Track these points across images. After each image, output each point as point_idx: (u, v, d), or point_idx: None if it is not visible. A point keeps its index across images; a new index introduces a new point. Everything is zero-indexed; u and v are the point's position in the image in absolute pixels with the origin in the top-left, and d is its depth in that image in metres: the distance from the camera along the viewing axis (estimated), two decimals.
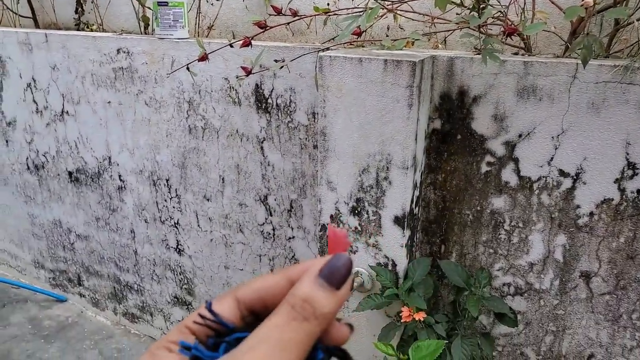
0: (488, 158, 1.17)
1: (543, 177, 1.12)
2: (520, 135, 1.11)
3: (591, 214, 1.10)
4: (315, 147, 1.41)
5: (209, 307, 0.30)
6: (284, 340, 0.27)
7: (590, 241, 1.11)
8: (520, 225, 1.17)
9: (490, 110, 1.13)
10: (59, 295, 2.38)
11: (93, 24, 2.02)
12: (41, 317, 2.25)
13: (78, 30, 2.05)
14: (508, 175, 1.15)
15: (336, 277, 0.29)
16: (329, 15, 1.21)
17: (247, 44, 1.20)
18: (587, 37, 0.93)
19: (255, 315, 0.31)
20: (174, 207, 1.79)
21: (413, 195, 1.18)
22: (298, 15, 1.21)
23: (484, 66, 1.10)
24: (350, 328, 0.31)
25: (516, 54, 1.19)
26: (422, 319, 1.13)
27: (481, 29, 1.04)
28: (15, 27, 2.23)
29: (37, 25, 2.18)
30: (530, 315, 1.22)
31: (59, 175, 2.10)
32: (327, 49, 1.27)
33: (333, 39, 1.49)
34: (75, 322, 2.23)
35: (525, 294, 1.21)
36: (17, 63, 2.01)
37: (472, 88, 1.13)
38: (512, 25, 0.95)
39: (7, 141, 2.22)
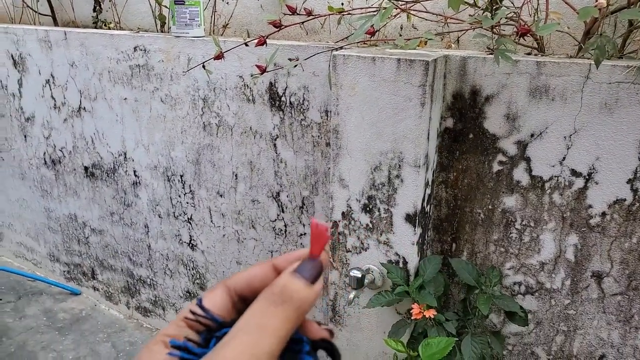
0: (500, 157, 1.17)
1: (555, 176, 1.12)
2: (532, 135, 1.12)
3: (603, 214, 1.10)
4: (327, 144, 1.43)
5: (199, 303, 0.31)
6: (262, 326, 0.28)
7: (602, 241, 1.11)
8: (532, 224, 1.17)
9: (502, 110, 1.14)
10: (73, 289, 2.42)
11: (110, 22, 2.05)
12: (56, 310, 2.29)
13: (96, 28, 2.09)
14: (520, 174, 1.16)
15: (310, 274, 0.30)
16: (343, 15, 1.23)
17: (262, 42, 1.22)
18: (600, 38, 0.94)
19: (246, 302, 0.32)
20: (187, 203, 1.81)
21: (425, 194, 1.19)
22: (312, 15, 1.23)
23: (496, 66, 1.10)
24: (331, 334, 0.33)
25: (529, 54, 1.20)
26: (432, 317, 1.14)
27: (494, 29, 1.04)
28: (35, 24, 2.27)
29: (55, 23, 2.23)
30: (541, 315, 1.22)
31: (75, 170, 2.14)
32: (341, 48, 1.29)
33: (347, 38, 1.50)
34: (89, 315, 2.27)
35: (536, 293, 1.22)
36: (36, 60, 2.05)
37: (485, 87, 1.14)
38: (526, 26, 0.95)
39: (25, 136, 2.27)
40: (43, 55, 2.01)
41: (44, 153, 2.23)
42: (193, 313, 0.31)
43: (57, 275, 2.51)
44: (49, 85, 2.05)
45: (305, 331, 0.32)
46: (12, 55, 2.14)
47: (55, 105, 2.07)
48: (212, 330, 0.31)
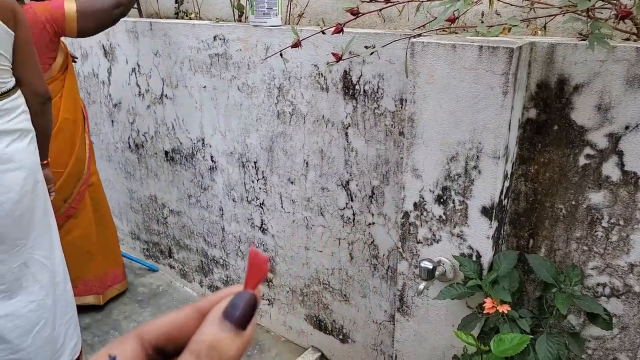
0: (587, 150, 1.10)
1: None
2: (627, 127, 1.04)
3: None
4: (401, 133, 1.42)
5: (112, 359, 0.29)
6: None
7: None
8: (621, 223, 1.10)
9: (593, 100, 1.07)
10: (151, 265, 2.59)
11: (191, 13, 2.15)
12: (136, 284, 2.47)
13: (177, 18, 2.19)
14: (610, 169, 1.09)
15: (241, 318, 0.28)
16: (422, 2, 1.20)
17: (339, 30, 1.23)
18: None
19: (164, 353, 0.30)
20: (260, 189, 1.87)
21: (503, 186, 1.15)
22: (391, 2, 1.21)
23: (588, 53, 1.04)
24: None
25: (627, 39, 1.11)
26: (506, 312, 1.10)
27: (589, 13, 0.98)
28: None
29: (141, 15, 2.36)
30: (627, 320, 1.15)
31: (156, 154, 2.28)
32: (419, 35, 1.27)
33: (424, 25, 1.47)
34: (165, 291, 2.42)
35: (623, 297, 1.14)
36: (124, 49, 2.19)
37: (574, 76, 1.08)
38: (626, 8, 0.89)
39: (112, 121, 2.44)
40: (130, 45, 2.15)
41: (129, 137, 2.39)
42: None
43: (138, 252, 2.70)
44: (135, 73, 2.19)
45: None
46: (103, 46, 2.30)
47: (139, 92, 2.21)
48: None
